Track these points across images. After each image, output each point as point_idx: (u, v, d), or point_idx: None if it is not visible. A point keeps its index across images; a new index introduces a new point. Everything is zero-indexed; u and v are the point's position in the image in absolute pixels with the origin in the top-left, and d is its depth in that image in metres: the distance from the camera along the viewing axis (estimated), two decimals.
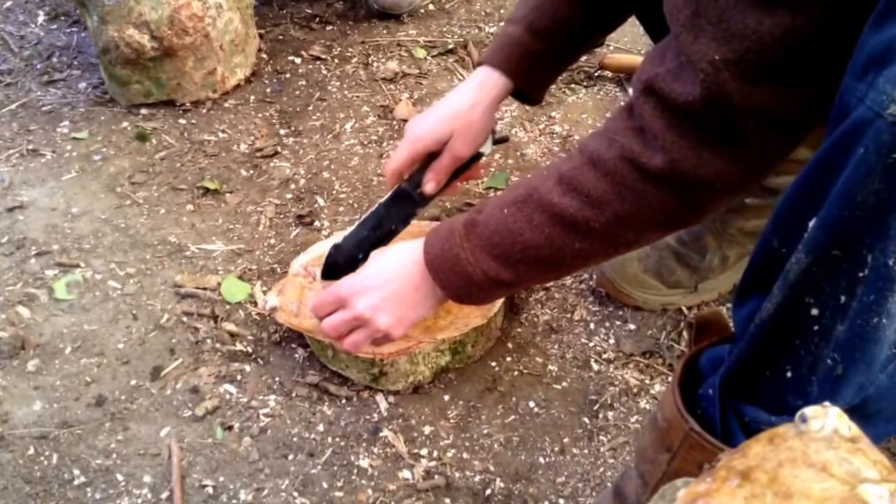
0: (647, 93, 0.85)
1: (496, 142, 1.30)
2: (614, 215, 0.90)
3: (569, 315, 1.38)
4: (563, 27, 1.20)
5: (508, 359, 1.32)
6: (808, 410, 0.46)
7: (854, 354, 0.71)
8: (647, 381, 1.29)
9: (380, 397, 1.26)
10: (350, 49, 2.01)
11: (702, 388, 0.86)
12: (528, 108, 1.81)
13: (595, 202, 0.90)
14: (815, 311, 0.70)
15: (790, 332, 0.73)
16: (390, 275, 1.08)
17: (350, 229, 1.28)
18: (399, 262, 1.08)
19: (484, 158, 1.28)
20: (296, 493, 1.15)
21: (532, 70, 1.21)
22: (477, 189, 1.61)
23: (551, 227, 0.93)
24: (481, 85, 1.20)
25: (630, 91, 1.80)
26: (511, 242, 0.95)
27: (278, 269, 1.46)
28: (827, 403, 0.47)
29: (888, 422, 0.80)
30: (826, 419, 0.45)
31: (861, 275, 0.66)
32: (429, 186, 1.24)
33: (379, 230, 1.26)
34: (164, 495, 1.14)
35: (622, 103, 0.89)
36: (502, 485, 1.16)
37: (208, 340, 1.34)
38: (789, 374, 0.75)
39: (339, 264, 1.25)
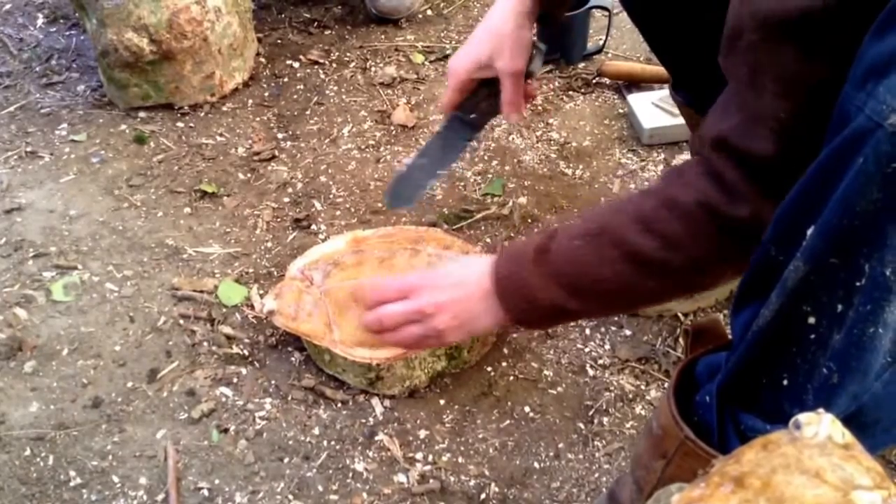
0: (719, 149, 0.84)
1: (543, 62, 1.30)
2: (690, 259, 0.90)
3: None
4: None
5: (504, 364, 1.32)
6: (802, 417, 0.46)
7: (850, 363, 0.71)
8: (643, 387, 1.29)
9: (375, 401, 1.26)
10: (348, 54, 2.01)
11: (698, 395, 0.86)
12: (525, 114, 1.81)
13: (671, 245, 0.89)
14: (811, 320, 0.71)
15: (787, 340, 0.73)
16: (461, 279, 1.08)
17: (410, 158, 1.31)
18: (472, 270, 1.08)
19: (537, 73, 1.28)
20: (291, 496, 1.15)
21: None
22: (475, 195, 1.61)
23: (623, 265, 0.92)
24: (512, 7, 1.19)
25: (628, 98, 1.81)
26: (581, 274, 0.95)
27: (275, 273, 1.46)
28: (821, 410, 0.47)
29: (886, 432, 0.80)
30: (820, 426, 0.46)
31: (858, 284, 0.67)
32: (513, 118, 1.26)
33: (440, 153, 1.30)
34: (160, 497, 1.15)
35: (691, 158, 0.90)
36: (497, 489, 1.16)
37: (205, 343, 1.34)
38: (785, 382, 0.75)
39: (404, 190, 1.29)
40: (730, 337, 0.90)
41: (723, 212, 0.85)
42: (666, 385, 1.29)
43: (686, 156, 1.70)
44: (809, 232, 0.68)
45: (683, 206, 0.88)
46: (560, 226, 1.02)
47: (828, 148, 0.67)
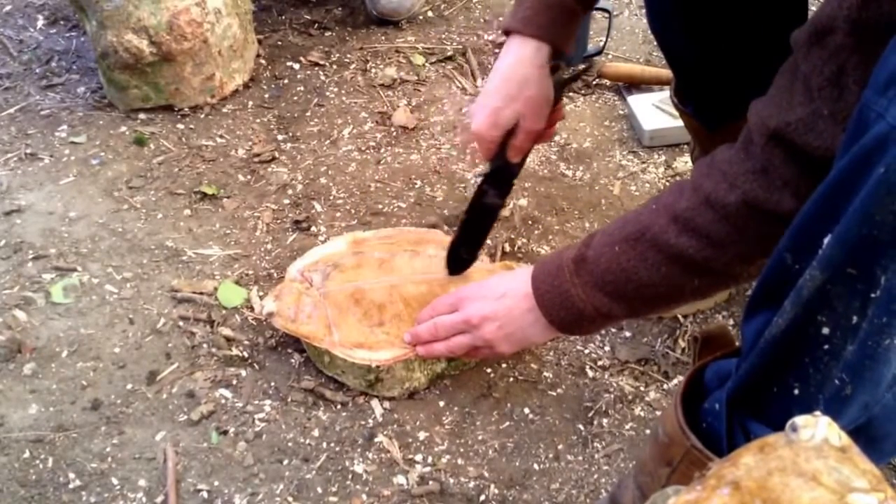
0: (776, 140, 0.83)
1: (570, 80, 1.27)
2: (737, 255, 0.90)
3: None
4: None
5: (504, 365, 1.32)
6: (799, 420, 0.46)
7: (863, 375, 0.71)
8: (642, 389, 1.29)
9: (375, 403, 1.26)
10: (348, 55, 2.01)
11: (707, 403, 0.86)
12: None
13: (716, 243, 0.89)
14: (826, 330, 0.70)
15: (800, 348, 0.73)
16: (506, 290, 1.11)
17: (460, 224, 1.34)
18: (516, 282, 1.10)
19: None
20: (290, 498, 1.15)
21: (566, 29, 1.18)
22: None
23: (668, 266, 0.93)
24: (526, 60, 1.16)
25: (628, 100, 1.81)
26: (625, 280, 0.96)
27: (275, 275, 1.46)
28: (818, 413, 0.47)
29: None
30: (816, 428, 0.45)
31: (873, 295, 0.66)
32: (514, 159, 1.25)
33: (483, 209, 1.32)
34: (159, 499, 1.14)
35: (738, 142, 0.88)
36: (496, 491, 1.16)
37: (204, 345, 1.34)
38: (797, 392, 0.75)
39: (460, 256, 1.33)
40: (738, 344, 0.89)
41: (769, 208, 0.84)
42: (665, 387, 1.29)
43: (687, 157, 1.70)
44: (826, 241, 0.67)
45: (728, 207, 0.87)
46: (594, 234, 1.02)
47: (847, 155, 0.66)
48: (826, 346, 0.71)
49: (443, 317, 1.17)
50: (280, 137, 1.77)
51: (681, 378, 1.29)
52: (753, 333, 0.79)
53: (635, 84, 1.89)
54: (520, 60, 1.16)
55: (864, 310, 0.67)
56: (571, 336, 1.32)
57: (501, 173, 1.29)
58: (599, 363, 1.33)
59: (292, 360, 1.32)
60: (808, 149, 0.80)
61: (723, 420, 0.82)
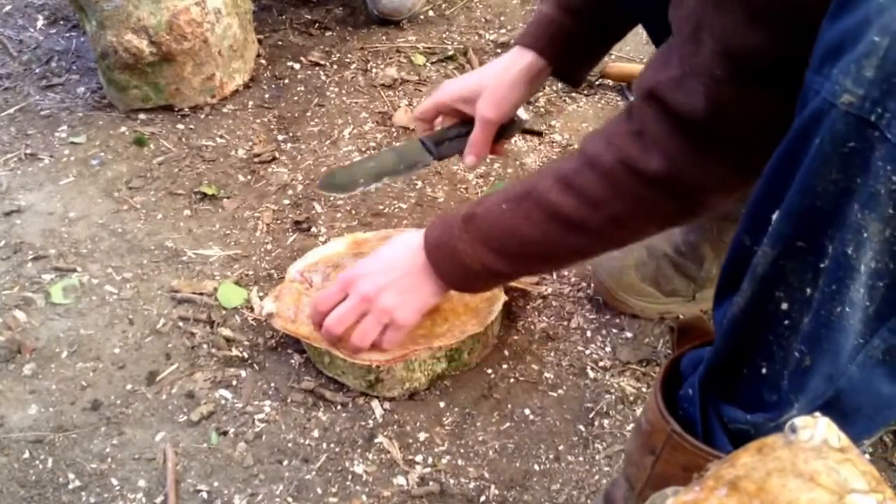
0: (648, 99, 0.87)
1: (525, 131, 1.29)
2: (611, 215, 0.93)
3: (566, 323, 1.38)
4: (596, 2, 1.17)
5: (504, 366, 1.32)
6: (798, 420, 0.46)
7: (820, 345, 0.72)
8: (644, 390, 1.29)
9: (375, 403, 1.26)
10: (349, 55, 2.01)
11: (682, 389, 0.86)
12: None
13: (592, 202, 0.92)
14: (784, 306, 0.72)
15: (762, 326, 0.74)
16: (392, 260, 1.11)
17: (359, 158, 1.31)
18: (402, 248, 1.11)
19: (513, 136, 1.30)
20: (290, 499, 1.15)
21: (567, 49, 1.19)
22: (476, 197, 1.61)
23: (548, 224, 0.96)
24: (514, 60, 1.19)
25: (631, 99, 1.81)
26: (508, 236, 0.99)
27: (275, 275, 1.46)
28: (817, 413, 0.47)
29: (869, 419, 0.80)
30: (815, 429, 0.45)
31: (822, 266, 0.68)
32: (468, 160, 1.23)
33: (392, 165, 1.27)
34: (159, 500, 1.14)
35: (623, 106, 0.93)
36: (497, 492, 1.16)
37: (204, 346, 1.34)
38: (764, 371, 0.76)
39: (336, 181, 1.28)
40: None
41: (640, 167, 0.88)
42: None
43: None
44: (774, 216, 0.69)
45: (604, 165, 0.91)
46: (488, 195, 1.05)
47: (789, 133, 0.69)
48: (787, 322, 0.72)
49: (339, 307, 1.13)
50: (280, 137, 1.77)
51: None
52: (721, 318, 0.81)
53: None
54: (515, 62, 1.19)
55: (815, 281, 0.69)
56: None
57: (421, 147, 1.26)
58: (600, 364, 1.32)
59: (292, 361, 1.32)
60: (677, 105, 0.84)
61: (696, 405, 0.83)
